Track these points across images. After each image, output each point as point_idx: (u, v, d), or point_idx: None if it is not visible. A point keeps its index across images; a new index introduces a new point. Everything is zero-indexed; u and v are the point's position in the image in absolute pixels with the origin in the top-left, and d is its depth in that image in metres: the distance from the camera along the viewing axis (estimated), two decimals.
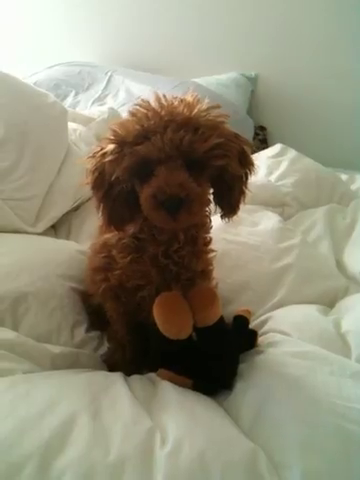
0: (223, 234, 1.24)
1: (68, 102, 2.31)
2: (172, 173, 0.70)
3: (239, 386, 0.85)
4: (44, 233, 1.35)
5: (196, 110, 0.73)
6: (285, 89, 2.48)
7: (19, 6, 2.76)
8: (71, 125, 1.60)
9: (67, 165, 1.44)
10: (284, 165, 1.70)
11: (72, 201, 1.46)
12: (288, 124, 2.51)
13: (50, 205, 1.37)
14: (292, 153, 1.79)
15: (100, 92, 2.40)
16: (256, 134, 2.45)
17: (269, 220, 1.39)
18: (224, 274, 1.14)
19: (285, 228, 1.37)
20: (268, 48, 2.41)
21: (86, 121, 1.72)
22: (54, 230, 1.44)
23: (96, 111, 1.83)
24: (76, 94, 2.42)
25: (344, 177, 1.89)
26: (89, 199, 1.54)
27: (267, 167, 1.70)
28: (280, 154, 1.79)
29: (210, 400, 0.83)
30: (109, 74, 2.47)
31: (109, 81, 2.45)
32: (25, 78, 2.02)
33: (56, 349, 0.92)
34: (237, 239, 1.27)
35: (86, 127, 1.67)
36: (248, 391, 0.82)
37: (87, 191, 1.46)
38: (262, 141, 2.47)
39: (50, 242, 1.24)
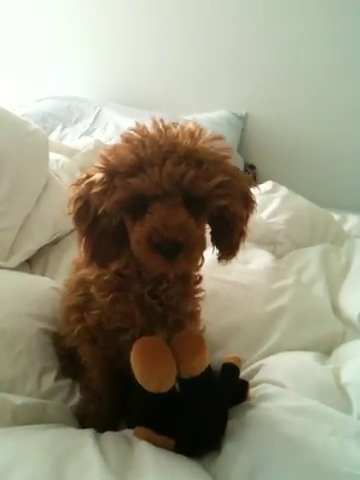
0: (211, 272, 1.15)
1: (54, 136, 2.26)
2: (170, 212, 0.61)
3: (229, 447, 0.74)
4: (18, 268, 1.24)
5: (201, 141, 0.64)
6: (275, 128, 2.47)
7: (10, 37, 2.75)
8: (54, 156, 1.53)
9: (47, 196, 1.36)
10: (276, 202, 1.63)
11: (50, 234, 1.37)
12: (277, 163, 2.48)
13: (26, 238, 1.28)
14: (284, 190, 1.73)
15: (88, 126, 2.37)
16: (246, 172, 2.41)
17: (261, 258, 1.30)
18: (212, 316, 1.05)
19: (278, 267, 1.29)
20: (258, 88, 2.41)
21: (70, 153, 1.65)
22: (29, 265, 1.34)
23: (81, 143, 1.77)
24: (63, 128, 2.39)
25: (336, 217, 1.83)
26: (70, 232, 1.45)
27: (258, 204, 1.62)
28: (272, 191, 1.73)
29: (195, 463, 0.73)
30: (98, 109, 2.46)
31: (98, 115, 2.43)
32: (13, 109, 1.97)
33: (19, 400, 0.81)
34: (227, 278, 1.18)
35: (70, 159, 1.60)
36: (239, 453, 0.72)
37: (67, 224, 1.42)
38: None
39: (21, 277, 1.14)
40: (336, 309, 1.26)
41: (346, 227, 1.79)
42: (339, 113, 2.29)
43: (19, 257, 1.25)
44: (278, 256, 1.45)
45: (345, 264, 1.47)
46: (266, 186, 1.79)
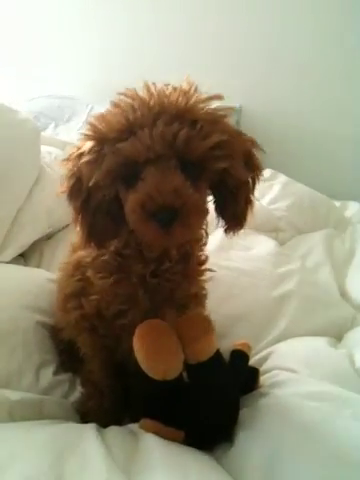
0: (213, 259, 1.10)
1: (47, 134, 2.22)
2: (164, 176, 0.56)
3: (242, 437, 0.69)
4: (12, 263, 1.19)
5: (194, 99, 0.59)
6: (269, 121, 2.43)
7: (10, 38, 2.70)
8: (46, 148, 1.48)
9: (39, 188, 1.30)
10: (276, 189, 1.59)
11: (44, 227, 1.31)
12: (273, 154, 2.43)
13: (19, 231, 1.21)
14: (283, 177, 1.69)
15: (81, 124, 2.32)
16: None
17: (264, 244, 1.26)
18: (215, 304, 0.98)
19: (282, 252, 1.24)
20: (251, 80, 2.37)
21: (63, 145, 1.60)
22: (24, 259, 1.29)
23: (75, 136, 1.72)
24: (56, 126, 2.35)
25: (337, 204, 1.79)
26: (64, 227, 1.40)
27: (258, 191, 1.58)
28: (271, 178, 1.69)
29: (206, 456, 0.67)
30: (90, 106, 2.41)
31: (90, 113, 2.37)
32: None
33: (15, 395, 0.75)
34: (229, 264, 1.13)
35: (63, 151, 1.55)
36: (253, 443, 0.66)
37: (61, 218, 1.38)
38: None
39: (15, 269, 1.09)
40: (344, 294, 1.22)
41: (347, 214, 1.75)
42: (336, 104, 2.25)
43: (12, 251, 1.19)
44: (281, 243, 1.41)
45: (349, 249, 1.44)
46: (265, 174, 1.74)
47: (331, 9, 2.08)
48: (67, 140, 1.69)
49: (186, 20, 2.36)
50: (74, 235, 0.75)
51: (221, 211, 0.69)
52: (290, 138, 2.40)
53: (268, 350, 0.95)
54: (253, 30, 2.26)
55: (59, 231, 1.40)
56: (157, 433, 0.67)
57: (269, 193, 1.59)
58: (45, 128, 2.29)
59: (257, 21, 2.23)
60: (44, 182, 1.33)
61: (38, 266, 1.27)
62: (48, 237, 1.38)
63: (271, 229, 1.44)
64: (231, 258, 1.16)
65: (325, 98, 2.27)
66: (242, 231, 0.72)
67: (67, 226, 1.39)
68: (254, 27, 2.25)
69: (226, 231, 0.70)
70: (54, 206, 1.30)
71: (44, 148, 1.44)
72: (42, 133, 1.48)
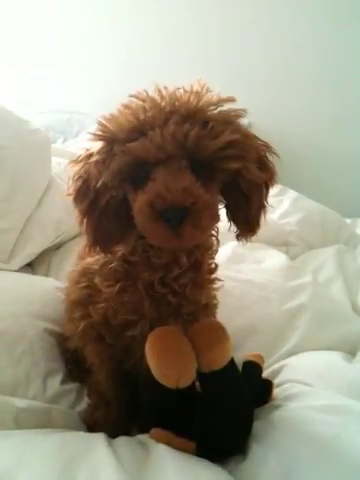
0: (224, 271, 1.08)
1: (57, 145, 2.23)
2: (174, 176, 0.55)
3: (256, 450, 0.66)
4: (19, 272, 1.18)
5: (205, 100, 0.58)
6: (279, 137, 2.42)
7: (11, 47, 2.74)
8: (56, 159, 1.48)
9: (49, 197, 1.30)
10: (286, 203, 1.58)
11: (53, 237, 1.30)
12: (283, 171, 2.43)
13: (27, 240, 1.21)
14: (293, 193, 1.68)
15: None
16: None
17: (275, 257, 1.24)
18: (226, 316, 0.96)
19: (293, 266, 1.22)
20: (262, 96, 2.38)
21: (73, 157, 1.60)
22: (31, 269, 1.27)
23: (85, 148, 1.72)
24: (64, 140, 2.37)
25: (348, 221, 1.78)
26: (74, 237, 1.39)
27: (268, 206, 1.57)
28: (280, 194, 1.68)
29: (218, 468, 0.64)
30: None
31: None
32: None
33: (22, 403, 0.73)
34: (240, 276, 1.11)
35: None
36: (268, 456, 0.64)
37: (70, 227, 1.37)
38: None
39: (23, 277, 1.08)
40: (356, 310, 1.19)
41: (358, 231, 1.73)
42: (347, 120, 2.25)
43: (20, 260, 1.19)
44: (291, 257, 1.39)
45: None
46: (274, 190, 1.73)
47: (343, 23, 2.09)
48: (77, 151, 1.69)
49: (194, 36, 2.39)
50: (81, 244, 0.74)
51: (233, 216, 0.67)
52: (300, 155, 2.39)
53: (281, 363, 0.93)
54: (263, 46, 2.28)
55: (68, 241, 1.39)
56: (168, 443, 0.64)
57: (279, 208, 1.58)
58: (54, 142, 2.30)
59: (267, 37, 2.26)
60: (54, 192, 1.33)
61: (46, 276, 1.25)
62: (56, 247, 1.36)
63: (281, 243, 1.43)
64: (242, 270, 1.15)
65: (336, 114, 2.27)
66: (254, 238, 0.71)
67: (76, 236, 1.38)
68: (264, 43, 2.27)
69: (238, 237, 0.69)
70: (63, 216, 1.30)
71: (54, 159, 1.44)
72: (52, 145, 1.49)
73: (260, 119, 2.45)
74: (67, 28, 2.62)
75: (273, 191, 1.62)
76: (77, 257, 0.81)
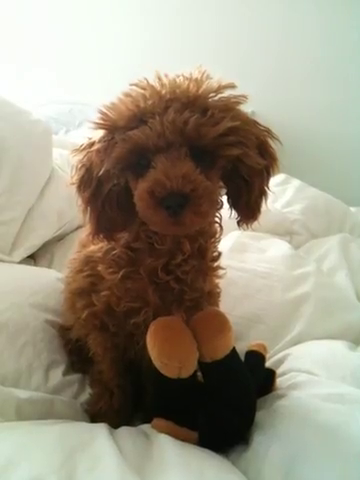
0: (227, 260, 1.07)
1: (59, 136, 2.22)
2: (174, 163, 0.55)
3: (258, 439, 0.66)
4: (21, 263, 1.17)
5: (205, 87, 0.58)
6: (283, 125, 2.41)
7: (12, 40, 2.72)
8: (58, 150, 1.47)
9: (51, 188, 1.29)
10: (290, 192, 1.57)
11: (55, 228, 1.30)
12: (286, 159, 2.42)
13: (29, 231, 1.20)
14: (297, 182, 1.67)
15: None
16: None
17: (278, 246, 1.23)
18: (230, 305, 0.97)
19: (296, 255, 1.21)
20: (265, 84, 2.37)
21: (75, 147, 1.59)
22: (34, 261, 1.27)
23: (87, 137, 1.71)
24: (66, 131, 2.36)
25: (352, 209, 1.76)
26: (76, 229, 1.39)
27: (271, 194, 1.55)
28: (284, 182, 1.66)
29: (221, 458, 0.64)
30: None
31: None
32: None
33: (24, 394, 0.73)
34: (244, 266, 1.11)
35: None
36: (271, 446, 0.63)
37: (72, 219, 1.36)
38: None
39: (25, 269, 1.07)
40: None
41: None
42: (350, 108, 2.25)
43: (22, 252, 1.18)
44: (295, 246, 1.38)
45: None
46: (278, 179, 1.72)
47: (339, 10, 2.08)
48: (79, 142, 1.68)
49: (196, 25, 2.38)
50: (82, 232, 0.74)
51: (234, 202, 0.67)
52: (304, 143, 2.39)
53: (284, 352, 0.92)
54: (265, 35, 2.27)
55: (70, 233, 1.38)
56: (170, 433, 0.65)
57: (282, 197, 1.57)
58: (56, 133, 2.28)
59: (268, 25, 2.24)
60: (55, 183, 1.32)
61: (48, 268, 1.25)
62: (59, 239, 1.36)
63: (285, 232, 1.42)
64: (245, 260, 1.14)
65: (339, 102, 2.26)
66: (257, 227, 0.71)
67: (78, 228, 1.37)
68: (266, 32, 2.26)
69: (239, 223, 0.68)
70: (65, 207, 1.29)
71: (56, 150, 1.43)
72: (54, 136, 1.48)
73: (264, 107, 2.44)
74: (68, 19, 2.60)
75: (277, 180, 1.63)
76: (78, 244, 0.80)
